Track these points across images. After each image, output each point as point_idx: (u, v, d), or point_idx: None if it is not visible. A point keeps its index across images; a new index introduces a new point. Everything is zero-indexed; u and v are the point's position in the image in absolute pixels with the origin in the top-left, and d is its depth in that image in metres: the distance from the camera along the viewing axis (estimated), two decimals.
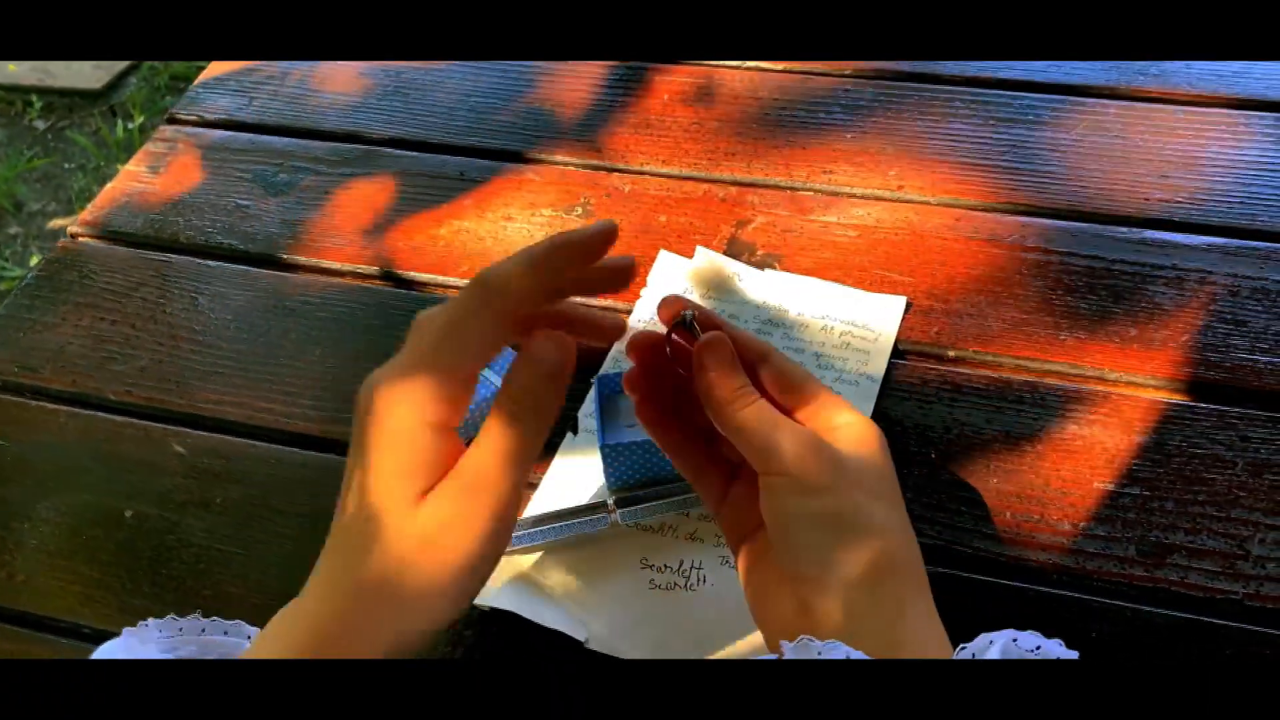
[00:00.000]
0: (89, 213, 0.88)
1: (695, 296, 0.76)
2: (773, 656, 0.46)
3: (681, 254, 0.79)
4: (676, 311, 0.52)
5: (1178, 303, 0.73)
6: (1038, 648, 0.48)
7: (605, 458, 0.65)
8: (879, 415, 0.69)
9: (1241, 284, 0.74)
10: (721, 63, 0.93)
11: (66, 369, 0.77)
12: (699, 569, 0.63)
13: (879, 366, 0.71)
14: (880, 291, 0.75)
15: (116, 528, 0.68)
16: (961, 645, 0.49)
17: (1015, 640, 0.49)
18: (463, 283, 0.79)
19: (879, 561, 0.47)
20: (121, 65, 2.31)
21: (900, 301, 0.75)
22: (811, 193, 0.83)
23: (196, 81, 0.98)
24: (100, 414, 0.74)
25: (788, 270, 0.78)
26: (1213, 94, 0.86)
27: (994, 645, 0.48)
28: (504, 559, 0.63)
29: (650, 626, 0.61)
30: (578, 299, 0.58)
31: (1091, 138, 0.84)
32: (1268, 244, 0.76)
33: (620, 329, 0.52)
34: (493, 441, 0.45)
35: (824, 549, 0.47)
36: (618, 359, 0.73)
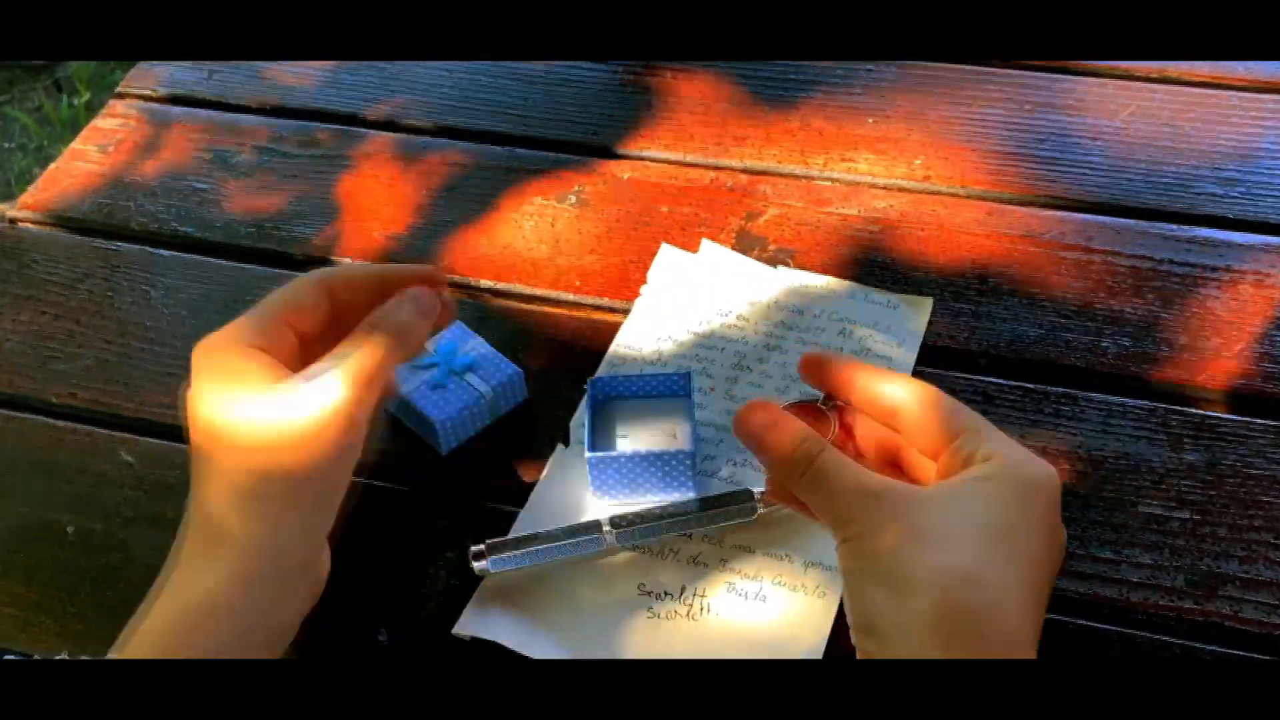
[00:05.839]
0: (30, 196, 0.87)
1: (700, 294, 0.76)
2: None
3: (685, 248, 0.79)
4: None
5: (1232, 308, 0.73)
6: None
7: (593, 469, 0.64)
8: None
9: None
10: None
11: (3, 368, 0.76)
12: (702, 597, 0.62)
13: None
14: (904, 292, 0.75)
15: (57, 544, 0.68)
16: None
17: None
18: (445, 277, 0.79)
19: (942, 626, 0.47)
20: None
21: (926, 303, 0.74)
22: (829, 182, 0.83)
23: None
24: (40, 418, 0.74)
25: (802, 267, 0.77)
26: (1271, 79, 0.86)
27: None
28: (489, 583, 0.63)
29: (649, 658, 0.61)
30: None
31: (1138, 125, 0.84)
32: None
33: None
34: (353, 354, 0.54)
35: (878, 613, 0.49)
36: (613, 363, 0.72)
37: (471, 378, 0.69)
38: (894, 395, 0.54)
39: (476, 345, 0.71)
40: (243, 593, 0.52)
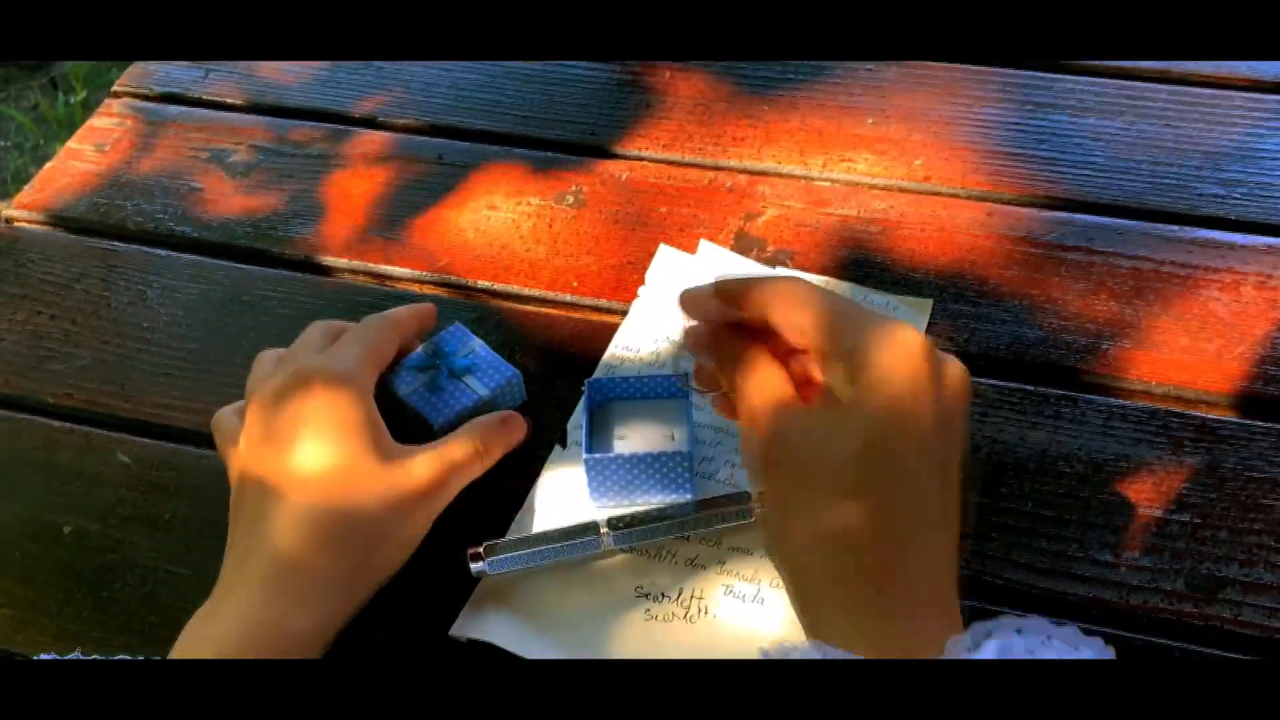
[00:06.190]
0: (26, 195, 0.87)
1: None
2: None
3: (684, 249, 0.79)
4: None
5: (1234, 310, 0.73)
6: (1049, 637, 0.47)
7: (590, 470, 0.65)
8: None
9: None
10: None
11: None
12: (700, 599, 0.63)
13: None
14: (904, 293, 0.76)
15: (54, 545, 0.68)
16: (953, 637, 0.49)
17: (1019, 631, 0.48)
18: (438, 278, 0.79)
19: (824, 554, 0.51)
20: None
21: (926, 304, 0.75)
22: (829, 183, 0.83)
23: None
24: (36, 418, 0.74)
25: (801, 268, 0.78)
26: (1274, 79, 0.86)
27: (990, 642, 0.48)
28: (487, 584, 0.63)
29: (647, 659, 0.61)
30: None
31: (1139, 126, 0.84)
32: None
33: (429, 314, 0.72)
34: (451, 447, 0.64)
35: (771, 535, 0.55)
36: (611, 364, 0.73)
37: (470, 380, 0.69)
38: (777, 321, 0.55)
39: (475, 347, 0.71)
40: (328, 625, 0.59)
